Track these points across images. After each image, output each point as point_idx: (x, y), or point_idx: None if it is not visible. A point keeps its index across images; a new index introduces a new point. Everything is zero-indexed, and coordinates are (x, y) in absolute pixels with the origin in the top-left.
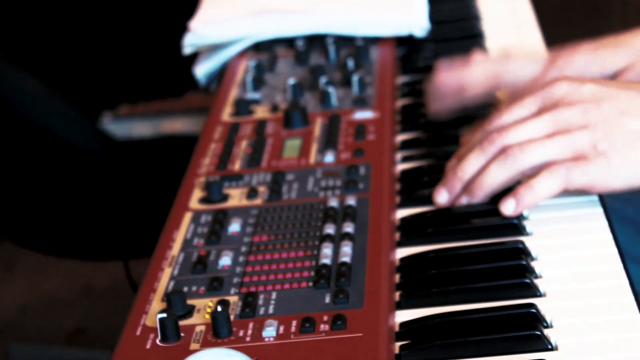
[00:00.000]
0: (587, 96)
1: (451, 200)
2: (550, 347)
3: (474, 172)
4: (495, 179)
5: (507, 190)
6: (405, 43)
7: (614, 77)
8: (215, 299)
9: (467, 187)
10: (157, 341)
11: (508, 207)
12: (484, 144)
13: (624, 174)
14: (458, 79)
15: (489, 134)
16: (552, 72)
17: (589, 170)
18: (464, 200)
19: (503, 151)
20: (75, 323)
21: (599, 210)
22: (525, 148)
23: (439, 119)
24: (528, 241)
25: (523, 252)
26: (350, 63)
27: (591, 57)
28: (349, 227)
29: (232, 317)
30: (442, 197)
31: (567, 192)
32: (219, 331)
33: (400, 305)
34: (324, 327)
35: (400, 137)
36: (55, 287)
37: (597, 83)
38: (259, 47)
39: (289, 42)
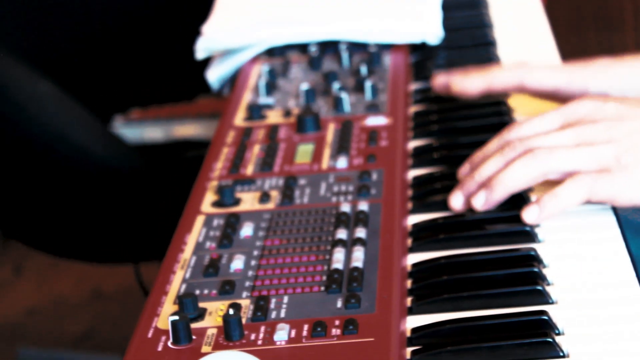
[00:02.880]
0: (610, 114)
1: (467, 205)
2: (562, 354)
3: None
4: (518, 176)
5: (514, 202)
6: (419, 50)
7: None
8: (227, 302)
9: (487, 183)
10: (169, 343)
11: (531, 215)
12: (504, 150)
13: None
14: (483, 84)
15: (509, 141)
16: (576, 83)
17: (613, 183)
18: (480, 196)
19: (529, 151)
20: (84, 326)
21: (612, 219)
22: (553, 151)
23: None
24: (540, 248)
25: (535, 259)
26: (363, 69)
27: (605, 72)
28: (361, 233)
29: (243, 321)
30: (457, 200)
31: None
32: (231, 334)
33: (412, 311)
34: (335, 331)
35: (413, 144)
36: (65, 290)
37: (619, 102)
38: (272, 52)
39: (302, 47)
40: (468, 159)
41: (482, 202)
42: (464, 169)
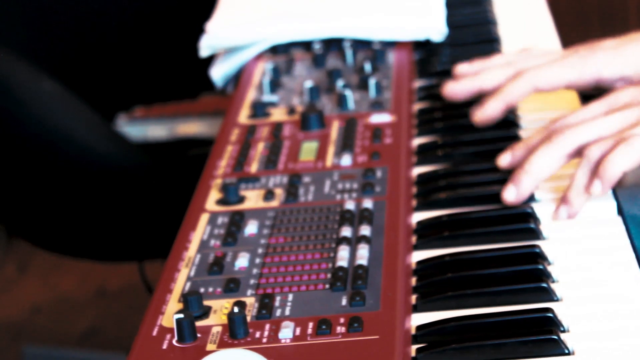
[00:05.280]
0: None
1: (520, 198)
2: (567, 351)
3: (548, 169)
4: (625, 164)
5: None
6: (423, 47)
7: None
8: (232, 300)
9: (596, 170)
10: (174, 341)
11: (596, 189)
12: (553, 138)
13: None
14: (503, 105)
15: (556, 129)
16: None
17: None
18: (596, 184)
19: (625, 139)
20: (88, 324)
21: (616, 215)
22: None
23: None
24: (544, 246)
25: (540, 257)
26: (367, 66)
27: (614, 53)
28: (365, 230)
29: (248, 319)
30: (510, 194)
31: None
32: (236, 332)
33: (417, 309)
34: (340, 329)
35: (417, 141)
36: (69, 288)
37: None
38: (275, 50)
39: (306, 45)
40: (508, 148)
41: (598, 192)
42: (504, 159)
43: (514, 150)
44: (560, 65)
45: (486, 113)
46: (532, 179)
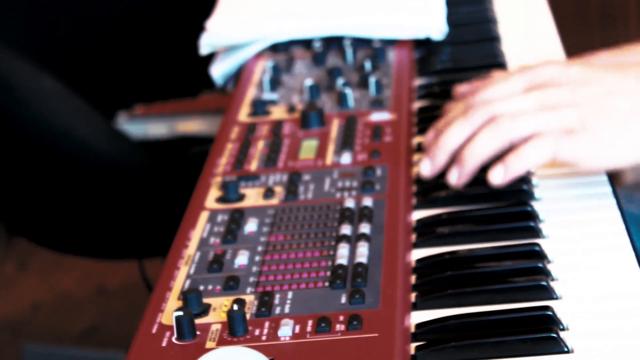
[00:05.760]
0: (575, 77)
1: (435, 171)
2: (566, 349)
3: (458, 141)
4: (485, 147)
5: (517, 196)
6: (423, 45)
7: None
8: (232, 298)
9: (456, 158)
10: (173, 339)
11: (496, 175)
12: (468, 113)
13: (611, 152)
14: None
15: (474, 104)
16: None
17: (577, 144)
18: (454, 172)
19: (492, 120)
20: (88, 322)
21: (616, 214)
22: (517, 117)
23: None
24: (544, 244)
25: (539, 255)
26: (368, 65)
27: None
28: (365, 228)
29: (248, 316)
30: (425, 167)
31: (584, 195)
32: (235, 330)
33: (416, 306)
34: (339, 327)
35: (417, 139)
36: (69, 286)
37: (584, 65)
38: (276, 48)
39: (306, 43)
40: (432, 125)
41: (456, 178)
42: (429, 136)
43: (437, 126)
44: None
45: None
46: (443, 151)
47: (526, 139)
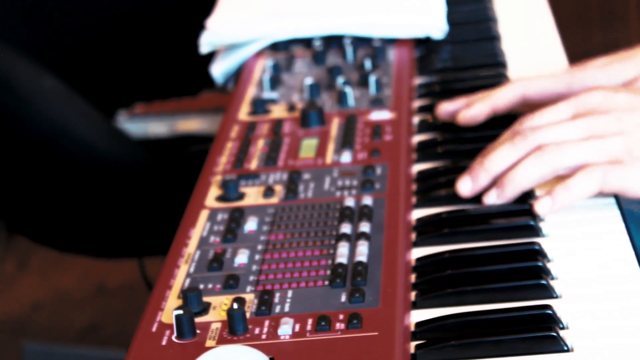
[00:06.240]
0: (621, 104)
1: (474, 192)
2: (566, 348)
3: (502, 166)
4: (529, 174)
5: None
6: (423, 44)
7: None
8: (231, 297)
9: (498, 181)
10: (173, 337)
11: (543, 206)
12: (515, 139)
13: None
14: (488, 109)
15: (521, 131)
16: (576, 85)
17: (625, 174)
18: (492, 194)
19: (538, 148)
20: (88, 321)
21: (616, 213)
22: (562, 147)
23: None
24: (544, 243)
25: (539, 254)
26: (368, 63)
27: (601, 71)
28: (365, 227)
29: (248, 315)
30: (465, 186)
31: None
32: (235, 328)
33: (416, 305)
34: (339, 325)
35: (417, 138)
36: (69, 284)
37: (631, 92)
38: (276, 47)
39: (306, 42)
40: (482, 151)
41: (493, 200)
42: (478, 160)
43: (484, 152)
44: (551, 77)
45: (470, 114)
46: (487, 174)
47: (572, 169)
